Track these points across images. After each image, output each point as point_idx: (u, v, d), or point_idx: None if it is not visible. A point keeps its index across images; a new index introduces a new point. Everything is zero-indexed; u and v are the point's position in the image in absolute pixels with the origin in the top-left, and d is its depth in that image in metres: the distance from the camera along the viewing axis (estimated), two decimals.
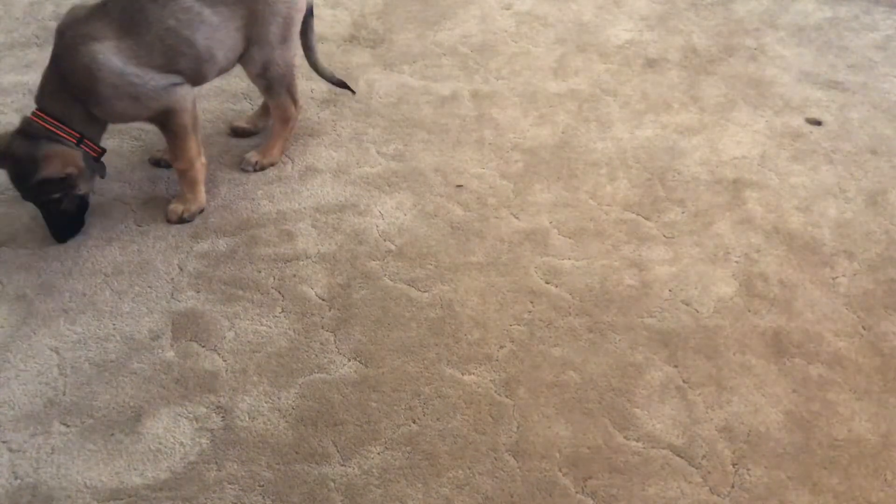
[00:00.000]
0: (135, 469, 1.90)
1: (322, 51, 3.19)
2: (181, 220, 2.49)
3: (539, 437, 1.95)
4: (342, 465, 1.90)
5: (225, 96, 2.97)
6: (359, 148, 2.77)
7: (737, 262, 2.39)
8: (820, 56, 3.21)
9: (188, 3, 2.33)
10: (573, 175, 2.67)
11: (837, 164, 2.72)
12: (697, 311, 2.24)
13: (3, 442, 1.95)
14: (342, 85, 2.88)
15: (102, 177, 2.45)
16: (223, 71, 2.54)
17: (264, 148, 2.69)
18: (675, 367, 2.11)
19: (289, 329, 2.20)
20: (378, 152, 2.75)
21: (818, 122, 2.90)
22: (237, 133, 2.81)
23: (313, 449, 1.93)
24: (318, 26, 3.34)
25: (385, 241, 2.45)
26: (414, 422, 1.98)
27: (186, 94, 2.39)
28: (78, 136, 2.32)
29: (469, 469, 1.89)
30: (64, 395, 2.05)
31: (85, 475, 1.88)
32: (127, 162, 2.71)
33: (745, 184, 2.64)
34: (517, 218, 2.52)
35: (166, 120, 2.39)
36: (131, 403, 2.03)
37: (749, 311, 2.25)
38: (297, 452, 1.92)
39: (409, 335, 2.18)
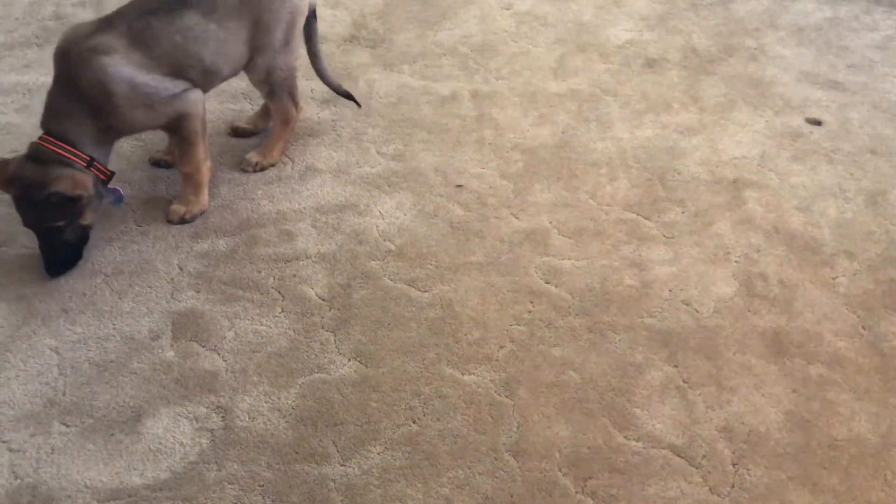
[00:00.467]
0: (135, 469, 1.90)
1: (322, 51, 3.19)
2: (182, 221, 2.49)
3: (539, 437, 1.95)
4: (342, 465, 1.90)
5: (225, 96, 2.97)
6: (359, 148, 2.77)
7: (737, 262, 2.39)
8: (820, 56, 3.21)
9: (194, 20, 2.32)
10: (573, 175, 2.67)
11: (837, 164, 2.72)
12: (697, 311, 2.24)
13: (3, 442, 1.95)
14: (347, 96, 2.87)
15: (117, 205, 2.44)
16: (227, 79, 2.55)
17: (264, 149, 2.70)
18: (675, 367, 2.11)
19: (289, 329, 2.20)
20: (378, 152, 2.75)
21: (818, 122, 2.90)
22: (237, 133, 2.81)
23: (313, 449, 1.93)
24: (319, 26, 3.34)
25: (385, 241, 2.45)
26: (414, 422, 1.98)
27: (197, 100, 2.39)
28: (88, 158, 2.28)
29: (469, 469, 1.89)
30: (64, 395, 2.05)
31: (85, 475, 1.88)
32: (127, 162, 2.71)
33: (745, 184, 2.64)
34: (517, 218, 2.52)
35: (178, 126, 2.39)
36: (131, 403, 2.03)
37: (749, 311, 2.25)
38: (297, 452, 1.92)
39: (409, 335, 2.18)
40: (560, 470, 1.89)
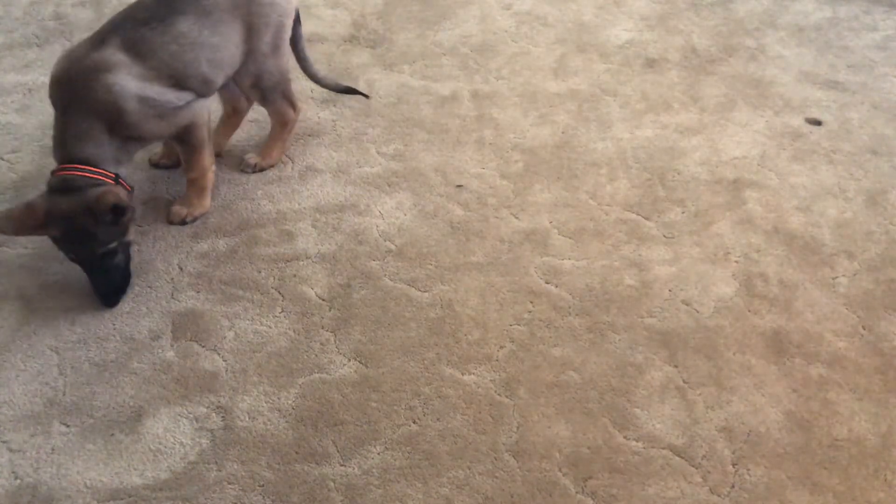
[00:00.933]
0: (135, 469, 1.90)
1: (322, 51, 3.20)
2: (183, 223, 2.49)
3: (539, 437, 1.95)
4: (342, 465, 1.90)
5: None
6: (359, 148, 2.77)
7: (737, 262, 2.39)
8: (820, 56, 3.21)
9: (187, 26, 2.30)
10: (573, 175, 2.67)
11: (837, 164, 2.72)
12: (697, 311, 2.24)
13: (3, 442, 1.95)
14: (350, 91, 2.86)
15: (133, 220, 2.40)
16: (221, 85, 2.51)
17: (263, 150, 2.69)
18: (675, 367, 2.11)
19: (289, 329, 2.20)
20: (378, 152, 2.75)
21: (818, 122, 2.90)
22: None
23: (313, 449, 1.93)
24: (319, 26, 3.34)
25: (385, 241, 2.45)
26: (414, 422, 1.98)
27: (203, 108, 2.39)
28: (113, 176, 2.21)
29: (469, 469, 1.89)
30: (64, 395, 2.05)
31: (85, 475, 1.88)
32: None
33: (745, 184, 2.64)
34: (517, 218, 2.52)
35: (186, 135, 2.37)
36: (131, 403, 2.03)
37: (749, 311, 2.25)
38: (297, 452, 1.92)
39: (409, 335, 2.18)
40: (560, 470, 1.89)
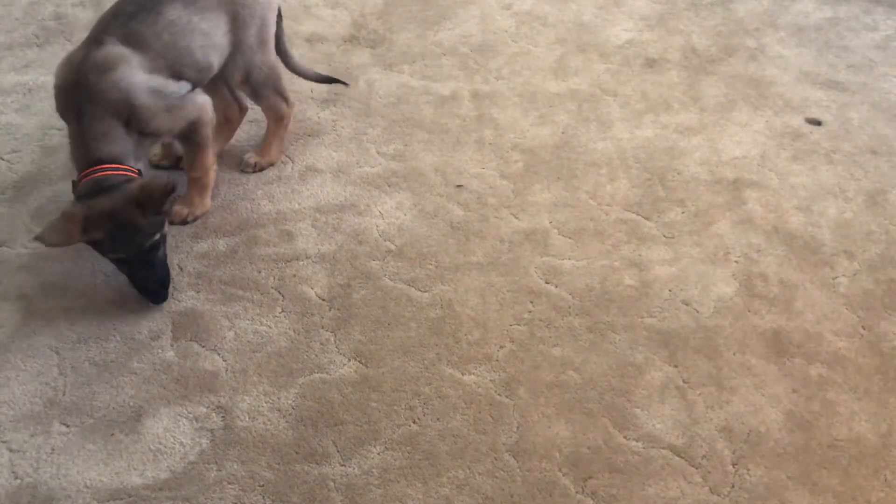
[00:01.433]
0: (135, 469, 1.90)
1: (322, 51, 3.20)
2: (184, 223, 2.49)
3: (539, 437, 1.95)
4: (342, 465, 1.90)
5: None
6: (359, 148, 2.77)
7: (737, 262, 2.39)
8: (820, 56, 3.21)
9: (175, 13, 2.31)
10: (573, 175, 2.67)
11: (837, 164, 2.72)
12: (697, 311, 2.24)
13: (3, 442, 1.95)
14: (332, 80, 2.87)
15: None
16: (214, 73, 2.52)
17: (262, 149, 2.69)
18: (675, 367, 2.11)
19: (289, 329, 2.20)
20: (378, 152, 2.75)
21: (818, 122, 2.90)
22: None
23: (313, 449, 1.93)
24: (319, 26, 3.34)
25: (385, 241, 2.45)
26: (414, 422, 1.98)
27: (207, 104, 2.39)
28: (138, 171, 2.23)
29: (469, 469, 1.89)
30: (64, 395, 2.05)
31: (85, 475, 1.88)
32: None
33: (745, 184, 2.64)
34: (517, 218, 2.52)
35: (193, 133, 2.37)
36: (131, 403, 2.03)
37: (749, 311, 2.25)
38: (297, 452, 1.93)
39: (409, 335, 2.18)
40: (560, 470, 1.89)
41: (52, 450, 1.93)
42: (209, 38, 2.38)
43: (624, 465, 1.90)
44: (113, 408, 2.02)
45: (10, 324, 2.21)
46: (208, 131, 2.41)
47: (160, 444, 1.94)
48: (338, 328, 2.20)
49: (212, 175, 2.50)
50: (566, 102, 2.97)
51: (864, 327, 2.21)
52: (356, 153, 2.75)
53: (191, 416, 2.00)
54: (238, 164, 2.69)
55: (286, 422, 1.99)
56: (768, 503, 1.84)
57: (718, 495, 1.85)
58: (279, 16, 2.63)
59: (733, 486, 1.87)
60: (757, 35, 3.33)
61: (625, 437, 1.96)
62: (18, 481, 1.87)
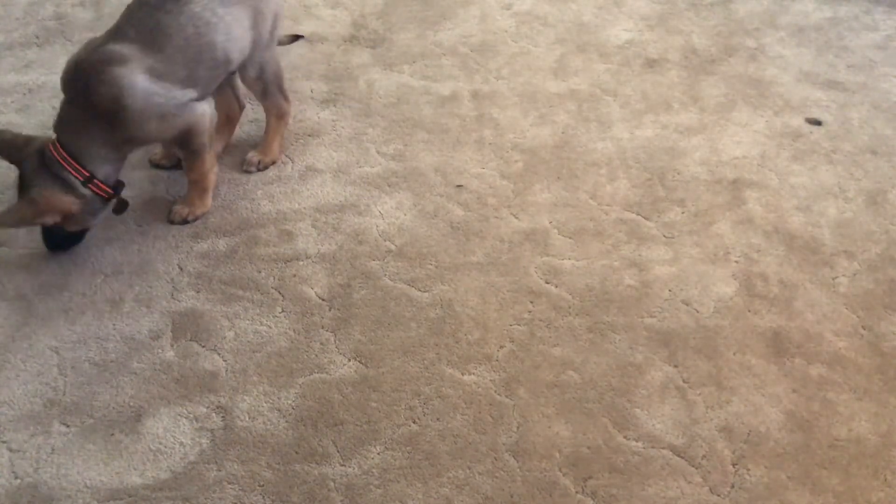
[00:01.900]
0: (135, 469, 1.90)
1: (322, 51, 3.20)
2: (184, 222, 2.49)
3: (539, 437, 1.95)
4: (342, 465, 1.90)
5: None
6: (359, 148, 2.77)
7: (737, 262, 2.39)
8: (820, 56, 3.21)
9: (200, 7, 2.30)
10: (573, 175, 2.67)
11: (837, 164, 2.72)
12: (697, 311, 2.24)
13: (3, 442, 1.95)
14: (293, 38, 2.98)
15: (118, 213, 2.42)
16: (234, 70, 2.53)
17: (264, 147, 2.70)
18: (675, 367, 2.11)
19: (289, 329, 2.20)
20: (378, 152, 2.75)
21: (818, 122, 2.90)
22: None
23: (313, 449, 1.93)
24: (319, 26, 3.35)
25: (385, 241, 2.45)
26: (414, 422, 1.99)
27: (205, 113, 2.38)
28: (87, 175, 2.23)
29: (469, 469, 1.89)
30: (64, 395, 2.05)
31: (85, 475, 1.88)
32: (127, 162, 2.69)
33: (745, 184, 2.64)
34: (517, 218, 2.52)
35: (187, 140, 2.37)
36: (131, 403, 2.03)
37: (749, 311, 2.25)
38: (297, 452, 1.93)
39: (409, 335, 2.18)
40: (560, 470, 1.89)
41: (52, 450, 1.93)
42: (231, 33, 2.38)
43: (624, 465, 1.90)
44: (113, 408, 2.02)
45: (9, 324, 2.21)
46: (204, 139, 2.40)
47: (160, 444, 1.94)
48: (338, 328, 2.20)
49: (211, 177, 2.50)
50: (566, 102, 2.97)
51: (864, 327, 2.21)
52: (356, 153, 2.75)
53: (191, 416, 2.00)
54: (240, 164, 2.69)
55: (286, 422, 1.99)
56: (768, 503, 1.84)
57: (718, 495, 1.85)
58: None
59: (733, 486, 1.87)
60: (757, 35, 3.33)
61: (625, 437, 1.96)
62: (18, 481, 1.87)
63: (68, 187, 2.22)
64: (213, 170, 2.50)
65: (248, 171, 2.67)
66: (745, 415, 2.00)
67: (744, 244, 2.44)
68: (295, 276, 2.34)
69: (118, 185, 2.35)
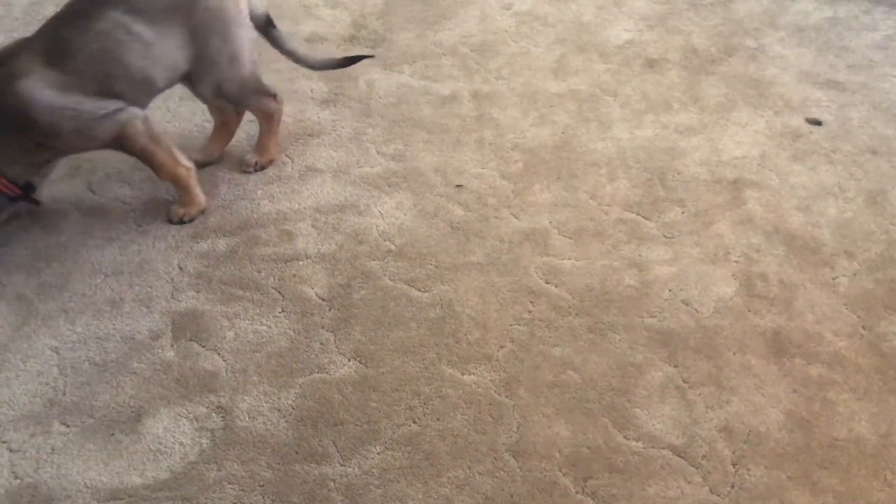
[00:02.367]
0: (135, 469, 1.90)
1: (322, 51, 3.20)
2: (182, 222, 2.49)
3: (539, 437, 1.95)
4: (342, 465, 1.90)
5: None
6: (359, 148, 2.77)
7: (737, 262, 2.39)
8: (820, 56, 3.21)
9: (113, 22, 2.20)
10: (573, 175, 2.67)
11: (837, 164, 2.72)
12: (697, 311, 2.24)
13: (3, 442, 1.95)
14: (351, 61, 2.73)
15: (36, 205, 2.40)
16: (164, 90, 2.42)
17: (259, 148, 2.69)
18: (675, 367, 2.11)
19: (289, 329, 2.20)
20: (378, 152, 2.75)
21: (818, 122, 2.90)
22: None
23: (313, 449, 1.93)
24: (319, 26, 3.35)
25: (385, 241, 2.45)
26: (414, 422, 1.99)
27: (134, 118, 2.29)
28: (4, 180, 2.24)
29: (469, 469, 1.89)
30: (64, 395, 2.05)
31: (85, 475, 1.88)
32: (127, 162, 2.70)
33: (745, 184, 2.64)
34: (517, 218, 2.52)
35: (124, 147, 2.32)
36: (131, 403, 2.03)
37: (749, 311, 2.25)
38: (297, 452, 1.93)
39: (409, 335, 2.18)
40: (560, 470, 1.89)
41: (52, 450, 1.93)
42: (152, 51, 2.26)
43: (624, 465, 1.90)
44: (113, 408, 2.02)
45: (10, 324, 2.21)
46: (141, 142, 2.32)
47: (160, 444, 1.94)
48: (338, 328, 2.20)
49: (183, 174, 2.43)
50: (566, 102, 2.97)
51: (864, 327, 2.21)
52: (356, 153, 2.75)
53: (191, 416, 2.00)
54: (239, 165, 2.69)
55: (286, 422, 1.99)
56: (768, 503, 1.84)
57: (718, 495, 1.85)
58: (270, 23, 2.55)
59: (733, 486, 1.87)
60: (757, 35, 3.33)
61: (625, 437, 1.96)
62: (18, 481, 1.87)
63: None
64: (180, 167, 2.42)
65: (246, 172, 2.67)
66: (745, 415, 2.00)
67: (744, 244, 2.44)
68: (295, 276, 2.34)
69: (28, 187, 2.33)
